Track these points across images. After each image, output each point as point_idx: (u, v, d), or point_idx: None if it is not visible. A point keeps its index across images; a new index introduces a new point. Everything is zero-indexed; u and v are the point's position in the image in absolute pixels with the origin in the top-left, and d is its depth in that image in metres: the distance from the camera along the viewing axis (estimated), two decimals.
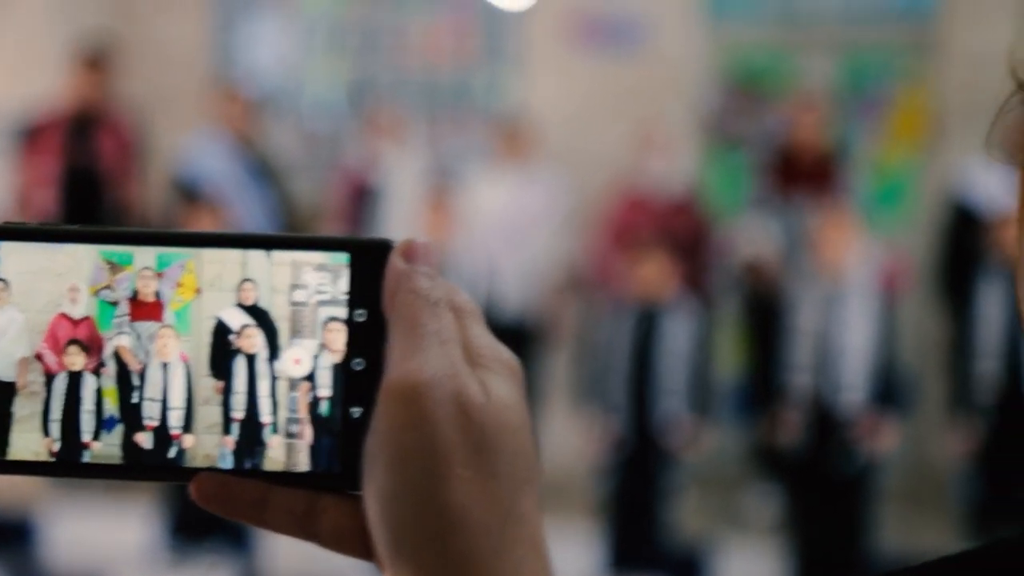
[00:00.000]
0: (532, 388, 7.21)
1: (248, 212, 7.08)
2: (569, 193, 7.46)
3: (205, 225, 6.07)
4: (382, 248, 0.69)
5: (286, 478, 0.69)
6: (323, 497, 0.68)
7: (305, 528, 0.69)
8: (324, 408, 0.69)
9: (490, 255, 7.09)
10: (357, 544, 0.67)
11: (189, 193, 7.00)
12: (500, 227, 7.25)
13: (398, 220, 7.27)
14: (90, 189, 7.22)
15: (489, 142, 8.16)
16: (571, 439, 7.50)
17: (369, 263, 0.68)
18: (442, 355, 0.64)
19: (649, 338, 6.01)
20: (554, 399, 7.64)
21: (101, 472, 0.70)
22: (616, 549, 5.96)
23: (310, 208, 7.99)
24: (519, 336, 7.13)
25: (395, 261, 0.68)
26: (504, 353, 0.67)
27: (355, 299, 0.69)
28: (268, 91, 8.73)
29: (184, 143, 7.76)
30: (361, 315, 0.68)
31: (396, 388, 0.64)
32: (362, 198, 7.39)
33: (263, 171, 7.37)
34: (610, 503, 6.02)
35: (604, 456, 6.04)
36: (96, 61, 7.34)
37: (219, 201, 6.53)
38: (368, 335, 0.68)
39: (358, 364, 0.68)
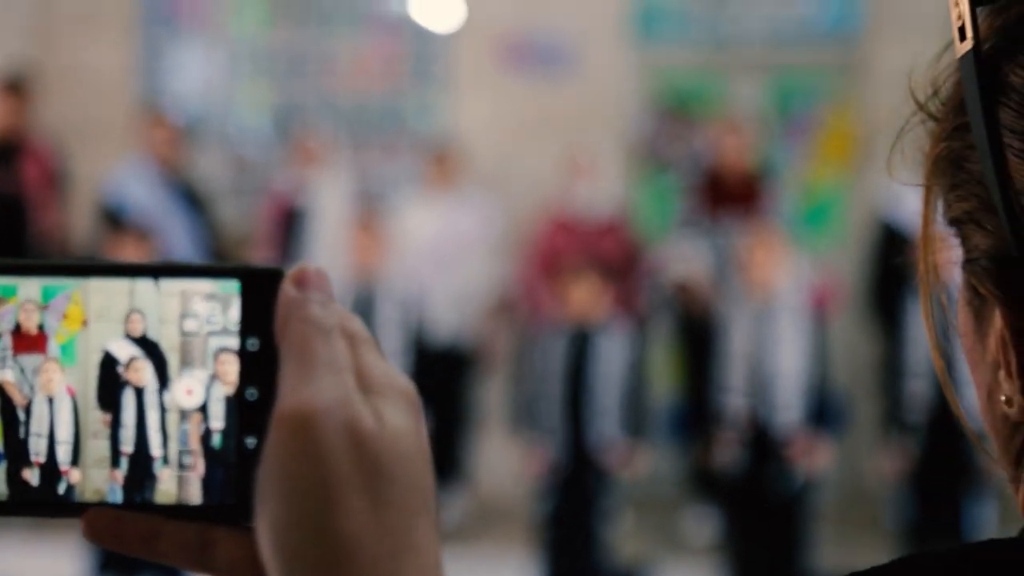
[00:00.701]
0: (465, 412, 7.17)
1: (174, 239, 6.99)
2: (499, 216, 7.43)
3: (130, 252, 6.00)
4: (274, 276, 0.68)
5: (178, 511, 0.68)
6: (216, 529, 0.68)
7: (199, 560, 0.68)
8: (216, 440, 0.68)
9: (421, 279, 7.04)
10: (251, 575, 0.67)
11: (115, 221, 6.91)
12: (431, 251, 7.21)
13: (326, 245, 7.20)
14: (12, 217, 7.11)
15: (418, 166, 8.13)
16: (507, 462, 7.45)
17: (261, 291, 0.67)
18: (334, 383, 0.64)
19: (582, 360, 5.98)
20: (490, 422, 7.60)
21: None
22: (554, 571, 5.92)
23: (237, 234, 7.91)
24: (452, 360, 7.10)
25: (287, 289, 0.67)
26: (399, 380, 0.66)
27: (247, 328, 0.68)
28: (194, 116, 8.66)
29: (110, 170, 7.68)
30: (254, 344, 0.68)
31: (287, 418, 0.63)
32: (290, 223, 7.32)
33: (189, 197, 7.29)
34: (547, 525, 5.98)
35: (540, 479, 6.01)
36: (17, 88, 7.24)
37: (145, 228, 6.45)
38: (261, 365, 0.67)
39: (251, 394, 0.67)
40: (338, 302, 0.67)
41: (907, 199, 6.67)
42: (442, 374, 6.83)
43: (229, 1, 8.67)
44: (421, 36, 8.47)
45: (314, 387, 0.63)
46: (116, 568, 5.86)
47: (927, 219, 0.77)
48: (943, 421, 5.95)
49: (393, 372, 0.66)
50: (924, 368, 5.99)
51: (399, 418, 0.65)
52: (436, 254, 7.21)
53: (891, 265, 6.56)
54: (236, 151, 8.68)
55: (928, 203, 0.77)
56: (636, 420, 6.02)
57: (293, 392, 0.64)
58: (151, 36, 8.62)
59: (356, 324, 0.67)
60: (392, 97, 8.56)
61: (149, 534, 0.68)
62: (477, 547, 6.59)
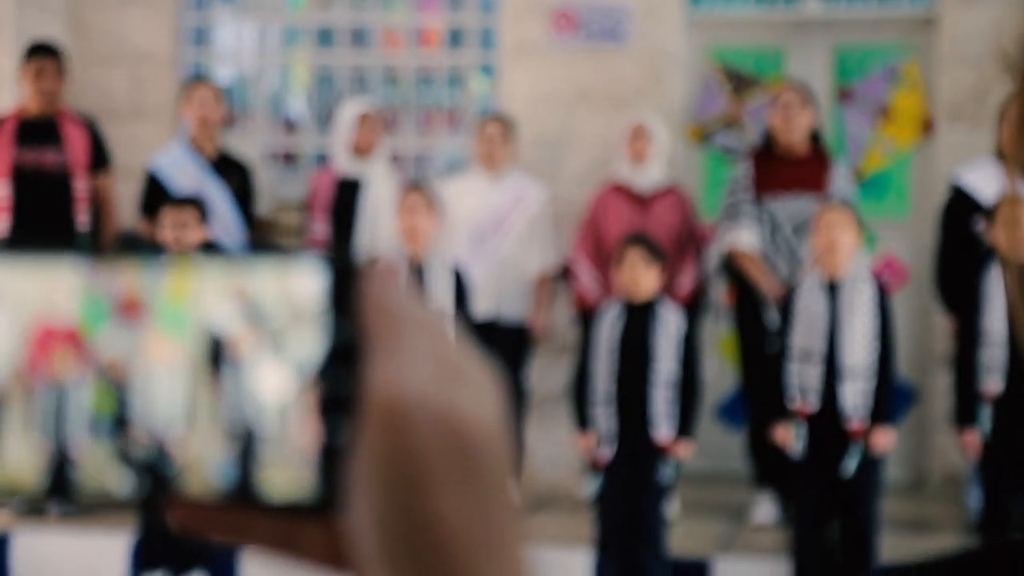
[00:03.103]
0: (516, 391, 6.96)
1: (216, 207, 6.86)
2: (544, 192, 7.19)
3: (179, 219, 6.01)
4: (358, 267, 0.67)
5: (270, 499, 0.67)
6: (305, 517, 0.68)
7: (291, 545, 0.68)
8: (307, 430, 0.67)
9: (469, 254, 6.84)
10: (339, 564, 0.68)
11: (159, 190, 6.80)
12: (478, 225, 7.00)
13: (372, 218, 7.01)
14: (62, 192, 7.00)
15: (463, 138, 7.94)
16: (559, 442, 7.28)
17: (346, 283, 0.67)
18: (424, 376, 0.64)
19: (634, 338, 5.76)
20: (541, 402, 7.42)
21: (94, 496, 0.68)
22: (607, 554, 5.71)
23: (277, 203, 7.78)
24: (503, 338, 6.89)
25: (371, 281, 0.67)
26: (483, 370, 0.67)
27: (335, 319, 0.67)
28: (236, 86, 8.56)
29: (156, 145, 7.61)
30: (341, 335, 0.67)
31: (380, 412, 0.64)
32: (335, 194, 7.14)
33: (231, 166, 7.14)
34: (601, 505, 5.77)
35: (592, 458, 5.80)
36: (54, 55, 7.11)
37: (191, 197, 6.34)
38: (348, 356, 0.66)
39: (339, 385, 0.66)
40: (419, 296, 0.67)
41: (983, 163, 6.38)
42: (488, 351, 6.64)
43: None
44: (467, 6, 8.27)
45: (407, 378, 0.64)
46: (166, 566, 5.72)
47: (1012, 182, 0.76)
48: (1017, 393, 5.68)
49: (477, 361, 0.67)
50: (1000, 338, 5.71)
51: (487, 408, 0.65)
52: (483, 228, 7.00)
53: (965, 231, 6.27)
54: (278, 120, 8.56)
55: (1013, 165, 0.76)
56: (690, 399, 5.78)
57: (384, 386, 0.64)
58: (194, 10, 8.48)
59: (439, 315, 0.68)
60: (438, 68, 8.37)
61: (241, 523, 0.68)
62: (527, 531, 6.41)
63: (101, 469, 0.68)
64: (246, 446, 0.68)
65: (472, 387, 0.65)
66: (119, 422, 0.68)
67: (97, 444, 0.68)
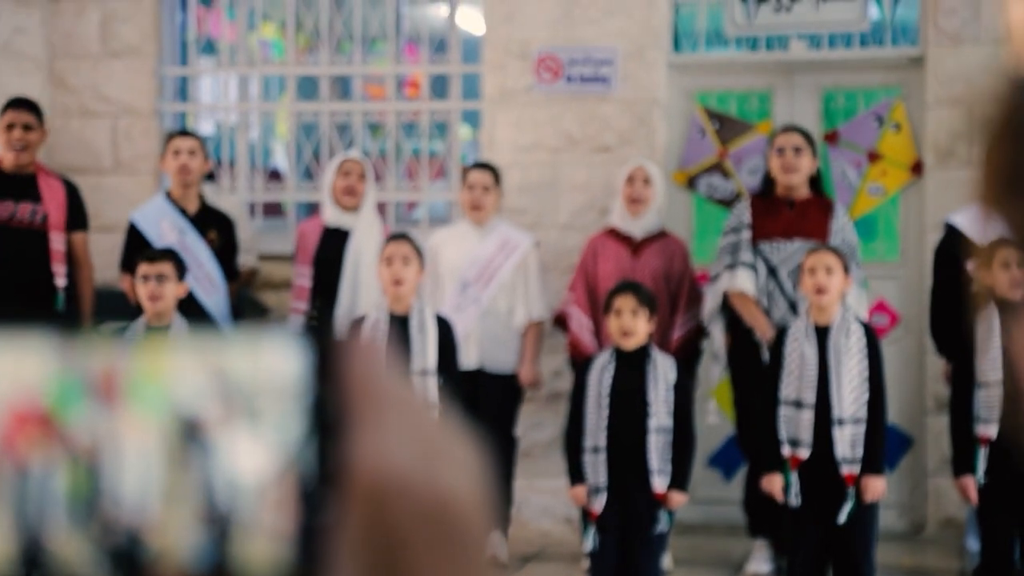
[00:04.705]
0: (505, 441, 6.83)
1: (198, 260, 6.74)
2: (532, 238, 7.09)
3: (155, 272, 5.89)
4: (338, 341, 0.67)
5: None
6: None
7: None
8: (284, 509, 0.66)
9: (455, 304, 6.74)
10: None
11: (140, 245, 6.68)
12: (464, 275, 6.89)
13: (355, 268, 6.89)
14: (39, 249, 6.88)
15: (448, 186, 7.85)
16: (550, 491, 7.16)
17: (326, 358, 0.66)
18: (406, 454, 0.65)
19: (625, 386, 5.65)
20: (531, 451, 7.30)
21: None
22: None
23: (260, 255, 7.66)
24: (491, 388, 6.78)
25: (352, 356, 0.66)
26: (462, 445, 0.68)
27: (313, 395, 0.66)
28: (218, 137, 8.48)
29: (137, 195, 7.49)
30: (319, 412, 0.66)
31: (364, 491, 0.64)
32: (321, 244, 7.01)
33: (213, 219, 7.02)
34: (595, 557, 5.65)
35: (586, 509, 5.68)
36: (35, 110, 7.01)
37: (167, 250, 6.23)
38: (326, 433, 0.66)
39: (317, 463, 0.66)
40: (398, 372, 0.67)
41: (971, 206, 6.31)
42: (476, 401, 6.54)
43: (251, 23, 8.47)
44: (450, 54, 8.20)
45: (389, 457, 0.64)
46: None
47: (989, 232, 0.75)
48: (1012, 437, 5.57)
49: (457, 438, 0.67)
50: (996, 381, 5.61)
51: (467, 486, 0.66)
52: (465, 278, 6.89)
53: (959, 271, 6.18)
54: (261, 171, 8.48)
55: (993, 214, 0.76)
56: (682, 449, 5.66)
57: (369, 462, 0.64)
58: (174, 62, 8.41)
59: (420, 392, 0.68)
60: (421, 116, 8.30)
61: None
62: None
63: (74, 555, 0.66)
64: (222, 527, 0.66)
65: (452, 464, 0.66)
66: (93, 506, 0.66)
67: (70, 529, 0.66)
